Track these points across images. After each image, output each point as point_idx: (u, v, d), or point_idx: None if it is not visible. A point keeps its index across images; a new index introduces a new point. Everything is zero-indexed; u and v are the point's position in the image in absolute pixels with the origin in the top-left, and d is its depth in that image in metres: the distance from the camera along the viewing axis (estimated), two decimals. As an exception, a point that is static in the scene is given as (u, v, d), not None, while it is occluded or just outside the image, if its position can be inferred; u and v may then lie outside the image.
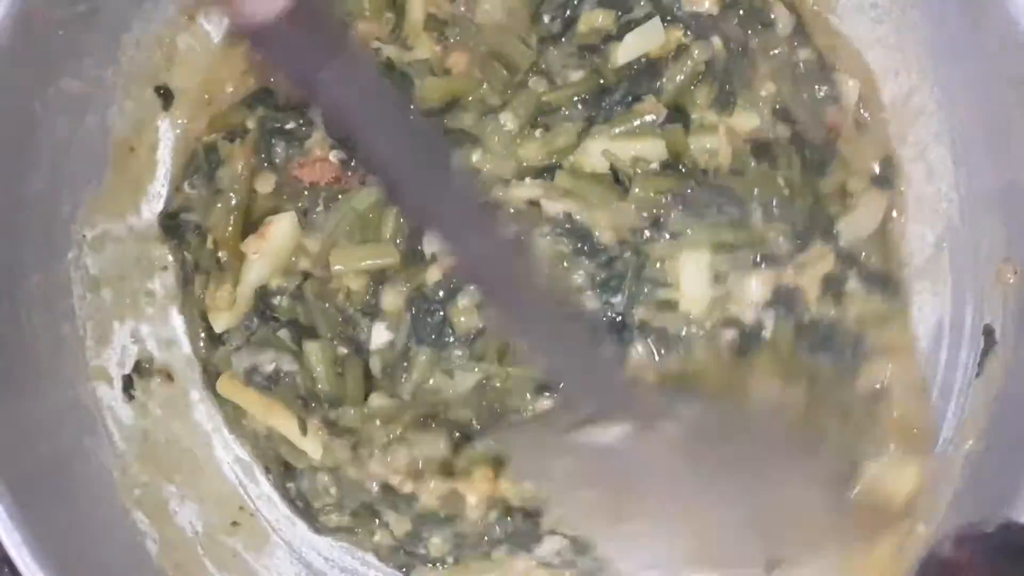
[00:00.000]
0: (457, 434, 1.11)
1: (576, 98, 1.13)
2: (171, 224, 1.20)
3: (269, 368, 1.13)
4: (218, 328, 1.16)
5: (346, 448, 1.12)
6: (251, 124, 1.17)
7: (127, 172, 1.19)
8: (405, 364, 1.11)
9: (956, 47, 1.13)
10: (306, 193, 1.14)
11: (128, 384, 1.16)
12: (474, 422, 1.11)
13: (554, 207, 1.09)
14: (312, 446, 1.12)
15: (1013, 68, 1.07)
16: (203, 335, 1.20)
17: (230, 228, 1.16)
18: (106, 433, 1.14)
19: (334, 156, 1.14)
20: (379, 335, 1.12)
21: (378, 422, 1.11)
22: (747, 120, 1.13)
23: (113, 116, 1.16)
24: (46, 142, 1.09)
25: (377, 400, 1.11)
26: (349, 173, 1.14)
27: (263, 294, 1.14)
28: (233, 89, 1.22)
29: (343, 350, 1.13)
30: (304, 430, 1.12)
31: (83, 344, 1.14)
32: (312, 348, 1.12)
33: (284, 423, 1.13)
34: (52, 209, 1.12)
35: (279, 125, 1.16)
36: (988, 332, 1.13)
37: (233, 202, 1.17)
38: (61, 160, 1.12)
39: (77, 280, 1.14)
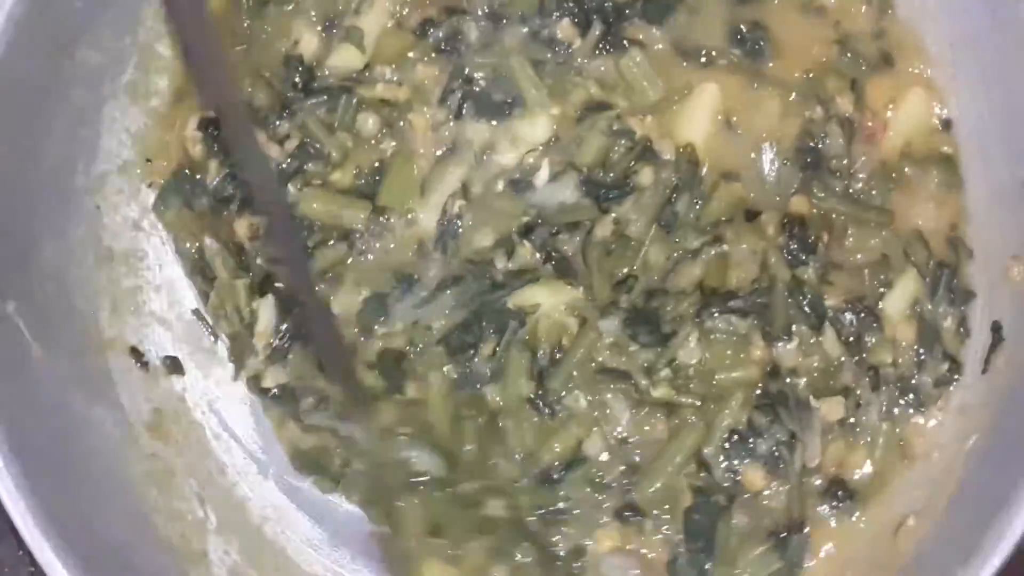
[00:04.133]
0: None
1: None
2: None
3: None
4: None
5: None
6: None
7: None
8: None
9: (975, 40, 1.12)
10: None
11: (138, 355, 1.17)
12: None
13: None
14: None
15: (1031, 63, 1.07)
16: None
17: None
18: (117, 404, 1.14)
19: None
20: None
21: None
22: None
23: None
24: (62, 111, 1.10)
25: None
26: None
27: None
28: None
29: None
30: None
31: (96, 315, 1.15)
32: None
33: None
34: (67, 179, 1.12)
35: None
36: (996, 328, 1.13)
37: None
38: (77, 130, 1.12)
39: (91, 251, 1.15)
